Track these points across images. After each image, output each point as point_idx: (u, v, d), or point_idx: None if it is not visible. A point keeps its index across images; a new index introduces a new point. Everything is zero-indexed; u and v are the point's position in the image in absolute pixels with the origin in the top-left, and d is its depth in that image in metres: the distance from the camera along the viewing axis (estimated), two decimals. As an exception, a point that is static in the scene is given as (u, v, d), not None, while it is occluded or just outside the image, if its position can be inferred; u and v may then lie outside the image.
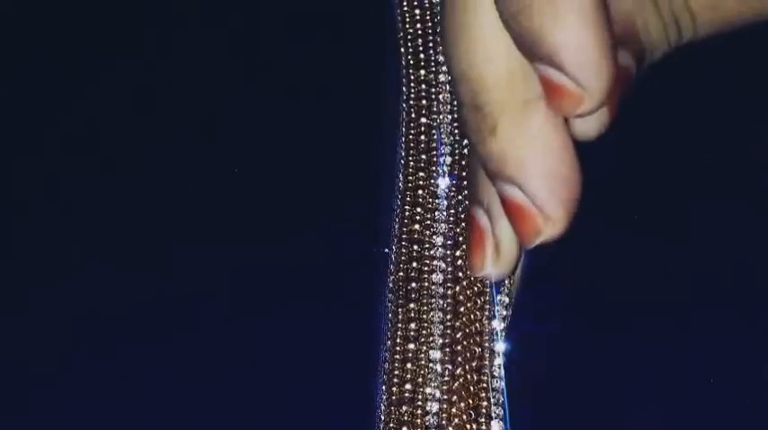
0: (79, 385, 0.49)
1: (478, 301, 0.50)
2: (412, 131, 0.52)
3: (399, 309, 0.50)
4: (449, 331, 0.50)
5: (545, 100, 0.39)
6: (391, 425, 0.49)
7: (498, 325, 0.50)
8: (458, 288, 0.50)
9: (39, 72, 0.55)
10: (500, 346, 0.49)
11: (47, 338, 0.50)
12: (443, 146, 0.52)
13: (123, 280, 0.51)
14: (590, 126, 0.40)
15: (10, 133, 0.54)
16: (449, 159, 0.51)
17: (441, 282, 0.50)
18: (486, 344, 0.49)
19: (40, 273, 0.52)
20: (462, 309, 0.50)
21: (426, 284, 0.50)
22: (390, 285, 0.51)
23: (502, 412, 0.49)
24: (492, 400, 0.49)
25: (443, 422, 0.49)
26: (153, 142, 0.54)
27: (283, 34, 0.54)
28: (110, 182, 0.53)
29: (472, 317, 0.50)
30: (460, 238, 0.50)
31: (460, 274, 0.50)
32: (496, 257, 0.43)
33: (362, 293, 0.51)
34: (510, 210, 0.41)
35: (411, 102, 0.52)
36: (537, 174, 0.39)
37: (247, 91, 0.54)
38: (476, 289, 0.50)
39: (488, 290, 0.50)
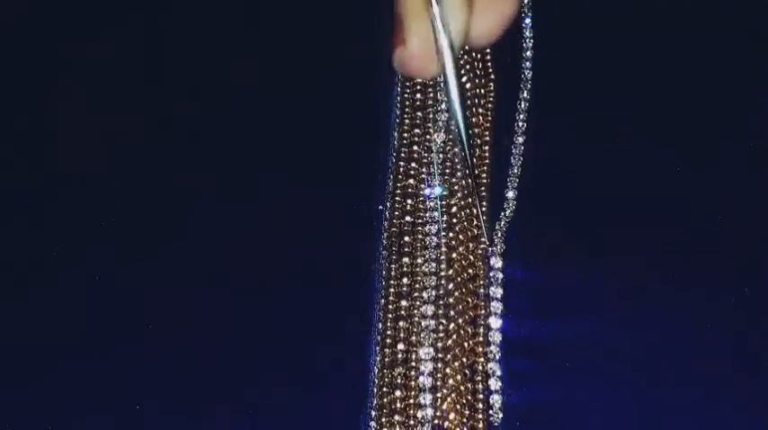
0: (78, 385, 0.48)
1: (471, 246, 0.49)
2: (407, 89, 0.52)
3: (392, 265, 0.49)
4: (442, 282, 0.48)
5: None
6: (384, 388, 0.47)
7: (496, 265, 0.48)
8: (451, 234, 0.49)
9: (38, 70, 0.56)
10: (497, 291, 0.48)
11: (47, 337, 0.50)
12: (439, 103, 0.51)
13: (120, 276, 0.50)
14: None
15: (10, 131, 0.55)
16: (445, 116, 0.51)
17: (434, 231, 0.49)
18: (481, 290, 0.48)
19: (41, 272, 0.51)
20: (455, 255, 0.48)
21: (420, 236, 0.49)
22: (384, 241, 0.50)
23: (499, 368, 0.48)
24: (488, 356, 0.48)
25: (438, 383, 0.47)
26: (153, 140, 0.54)
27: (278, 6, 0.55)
28: (106, 177, 0.53)
29: (465, 262, 0.48)
30: (455, 188, 0.50)
31: (454, 221, 0.49)
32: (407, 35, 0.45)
33: (360, 275, 0.50)
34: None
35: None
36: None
37: (245, 63, 0.54)
38: (469, 234, 0.49)
39: (482, 232, 0.49)
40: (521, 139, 0.51)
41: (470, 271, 0.48)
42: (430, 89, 0.52)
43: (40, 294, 0.50)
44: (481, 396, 0.47)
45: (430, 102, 0.51)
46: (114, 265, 0.51)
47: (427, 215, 0.50)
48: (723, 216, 0.50)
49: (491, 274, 0.48)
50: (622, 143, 0.52)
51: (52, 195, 0.53)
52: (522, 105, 0.52)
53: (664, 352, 0.48)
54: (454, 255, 0.49)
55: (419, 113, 0.51)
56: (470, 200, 0.49)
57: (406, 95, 0.52)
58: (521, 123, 0.51)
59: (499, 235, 0.49)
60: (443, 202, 0.49)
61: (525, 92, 0.52)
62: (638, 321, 0.48)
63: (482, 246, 0.49)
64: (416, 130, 0.51)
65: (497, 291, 0.48)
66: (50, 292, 0.50)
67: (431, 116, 0.51)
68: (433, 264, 0.49)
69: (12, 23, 0.56)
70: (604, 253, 0.49)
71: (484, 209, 0.49)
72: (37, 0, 0.57)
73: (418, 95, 0.51)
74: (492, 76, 0.51)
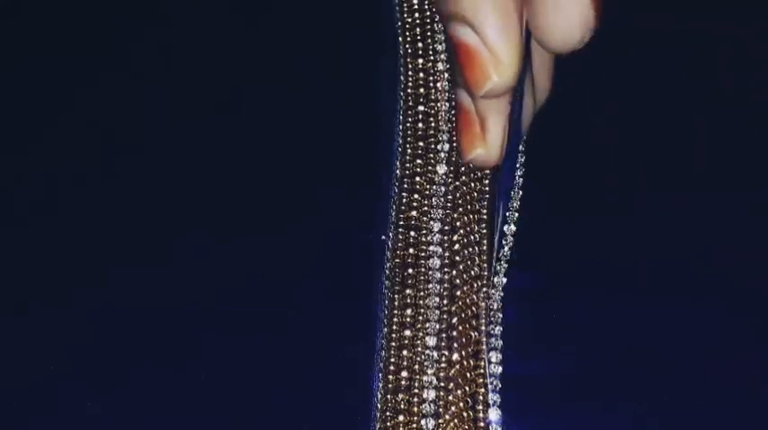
0: (79, 384, 0.49)
1: (475, 285, 0.49)
2: (410, 119, 0.52)
3: (396, 295, 0.50)
4: (445, 316, 0.49)
5: None
6: (387, 413, 0.49)
7: (495, 305, 0.49)
8: (454, 272, 0.50)
9: (38, 67, 0.55)
10: (497, 330, 0.49)
11: (50, 336, 0.50)
12: (441, 133, 0.52)
13: (119, 274, 0.51)
14: (572, 30, 0.40)
15: (10, 128, 0.54)
16: (446, 146, 0.51)
17: (438, 266, 0.50)
18: (483, 329, 0.49)
19: (40, 271, 0.52)
20: (459, 293, 0.49)
21: (423, 270, 0.50)
22: (387, 272, 0.50)
23: (499, 399, 0.49)
24: (489, 388, 0.49)
25: (440, 409, 0.49)
26: (153, 138, 0.54)
27: (281, 24, 0.54)
28: (106, 176, 0.53)
29: (468, 301, 0.49)
30: (458, 223, 0.50)
31: (457, 258, 0.50)
32: (483, 136, 0.44)
33: (360, 282, 0.50)
34: (460, 53, 0.41)
35: (409, 90, 0.52)
36: (490, 12, 0.40)
37: (247, 82, 0.54)
38: (472, 273, 0.50)
39: (485, 274, 0.49)
40: (518, 173, 0.52)
41: (473, 309, 0.49)
42: (431, 119, 0.52)
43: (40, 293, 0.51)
44: (482, 424, 0.49)
45: (432, 131, 0.52)
46: (113, 267, 0.51)
47: (430, 249, 0.50)
48: (729, 231, 0.51)
49: (491, 314, 0.49)
50: (622, 152, 0.52)
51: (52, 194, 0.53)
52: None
53: (666, 384, 0.49)
54: (458, 292, 0.50)
55: (421, 143, 0.52)
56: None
57: (408, 124, 0.52)
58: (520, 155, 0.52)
59: (499, 274, 0.50)
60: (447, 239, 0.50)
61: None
62: (639, 356, 0.49)
63: (485, 289, 0.49)
64: (419, 161, 0.51)
65: (498, 329, 0.49)
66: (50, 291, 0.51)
67: (433, 146, 0.52)
68: (437, 299, 0.50)
69: (12, 23, 0.56)
70: (606, 287, 0.50)
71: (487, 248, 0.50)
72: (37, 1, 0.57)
73: (420, 125, 0.52)
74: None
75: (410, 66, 0.52)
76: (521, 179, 0.52)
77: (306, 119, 0.53)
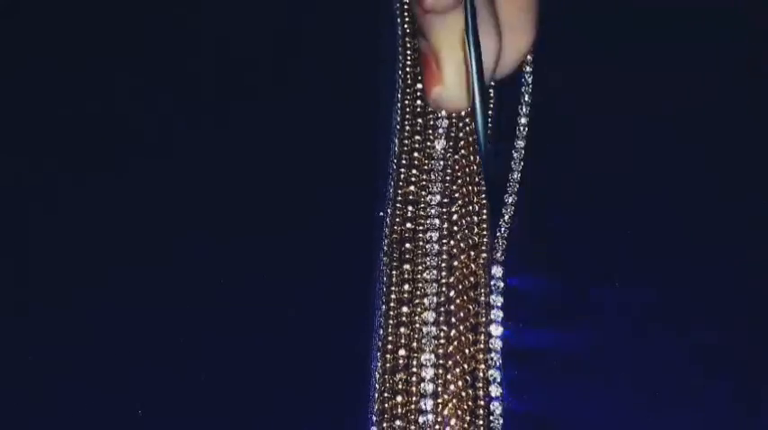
0: (79, 384, 0.49)
1: (473, 254, 0.49)
2: (408, 96, 0.52)
3: (393, 271, 0.49)
4: (443, 289, 0.48)
5: None
6: (386, 394, 0.48)
7: (497, 273, 0.49)
8: (452, 242, 0.49)
9: (38, 67, 0.56)
10: (497, 299, 0.48)
11: (50, 336, 0.50)
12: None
13: (119, 274, 0.51)
14: None
15: (10, 128, 0.55)
16: (445, 122, 0.51)
17: (435, 239, 0.49)
18: (482, 298, 0.48)
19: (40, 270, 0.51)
20: (456, 263, 0.49)
21: (421, 244, 0.49)
22: (384, 247, 0.50)
23: (499, 375, 0.48)
24: (489, 363, 0.48)
25: (439, 389, 0.48)
26: (153, 137, 0.54)
27: (280, 7, 0.55)
28: (106, 176, 0.53)
29: (467, 270, 0.49)
30: (456, 194, 0.50)
31: (455, 229, 0.49)
32: (440, 74, 0.47)
33: (360, 282, 0.50)
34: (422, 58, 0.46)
35: (407, 68, 0.52)
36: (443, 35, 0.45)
37: (246, 79, 0.54)
38: (471, 241, 0.49)
39: (485, 241, 0.49)
40: (521, 143, 0.51)
41: (471, 279, 0.49)
42: None
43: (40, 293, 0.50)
44: (482, 402, 0.48)
45: (430, 108, 0.51)
46: (113, 267, 0.51)
47: (428, 222, 0.50)
48: (728, 225, 0.51)
49: (492, 283, 0.49)
50: (626, 147, 0.52)
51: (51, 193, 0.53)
52: (524, 110, 0.52)
53: (664, 361, 0.48)
54: (455, 263, 0.49)
55: (420, 120, 0.51)
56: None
57: (406, 102, 0.52)
58: (522, 128, 0.52)
59: (499, 242, 0.50)
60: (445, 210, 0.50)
61: (527, 96, 0.52)
62: (639, 329, 0.48)
63: (484, 254, 0.49)
64: (417, 137, 0.51)
65: (498, 300, 0.48)
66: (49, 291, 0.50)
67: (431, 123, 0.51)
68: (434, 272, 0.49)
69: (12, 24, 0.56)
70: (606, 260, 0.50)
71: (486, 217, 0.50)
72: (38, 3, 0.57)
73: (419, 102, 0.52)
74: (493, 83, 0.51)
75: (408, 44, 0.52)
76: (522, 151, 0.51)
77: (304, 115, 0.53)
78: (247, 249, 0.51)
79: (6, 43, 0.56)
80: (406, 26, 0.52)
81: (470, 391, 0.48)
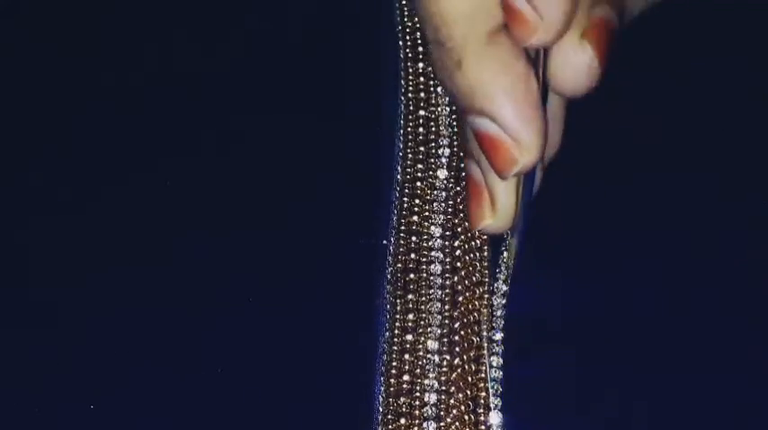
0: (79, 384, 0.49)
1: (477, 291, 0.50)
2: (410, 123, 0.52)
3: (398, 300, 0.50)
4: (447, 321, 0.50)
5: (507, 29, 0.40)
6: (389, 416, 0.49)
7: (497, 314, 0.50)
8: (456, 278, 0.50)
9: (38, 67, 0.55)
10: (498, 336, 0.49)
11: (50, 335, 0.50)
12: (442, 137, 0.52)
13: (119, 274, 0.51)
14: (580, 79, 0.41)
15: (10, 128, 0.54)
16: (447, 151, 0.52)
17: (439, 272, 0.50)
18: (485, 334, 0.49)
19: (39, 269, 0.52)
20: (461, 299, 0.50)
21: (424, 275, 0.50)
22: (389, 277, 0.51)
23: (500, 402, 0.49)
24: (491, 391, 0.49)
25: (441, 413, 0.49)
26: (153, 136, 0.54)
27: (282, 27, 0.54)
28: (106, 176, 0.53)
29: (470, 306, 0.50)
30: (459, 229, 0.51)
31: (459, 264, 0.50)
32: (492, 207, 0.45)
33: (361, 286, 0.51)
34: (484, 143, 0.42)
35: (410, 94, 0.52)
36: (506, 101, 0.40)
37: (245, 86, 0.54)
38: (474, 279, 0.50)
39: (487, 279, 0.50)
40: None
41: (475, 315, 0.50)
42: (432, 123, 0.52)
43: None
44: (483, 427, 0.49)
45: (433, 136, 0.52)
46: (113, 267, 0.51)
47: (431, 254, 0.51)
48: (728, 225, 0.51)
49: (495, 317, 0.50)
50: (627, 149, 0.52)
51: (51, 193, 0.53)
52: None
53: (668, 383, 0.49)
54: (459, 298, 0.50)
55: (422, 148, 0.52)
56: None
57: (409, 129, 0.52)
58: None
59: (503, 278, 0.50)
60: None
61: None
62: (642, 354, 0.49)
63: (487, 296, 0.50)
64: (419, 166, 0.52)
65: (499, 335, 0.50)
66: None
67: (434, 151, 0.52)
68: (438, 305, 0.50)
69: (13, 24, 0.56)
70: (609, 282, 0.50)
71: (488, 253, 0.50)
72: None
73: (421, 129, 0.52)
74: None
75: (410, 70, 0.52)
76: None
77: (306, 123, 0.53)
78: (247, 252, 0.51)
79: (6, 42, 0.56)
80: (408, 50, 0.53)
81: (472, 417, 0.49)
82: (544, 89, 0.42)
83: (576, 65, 0.41)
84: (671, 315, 0.50)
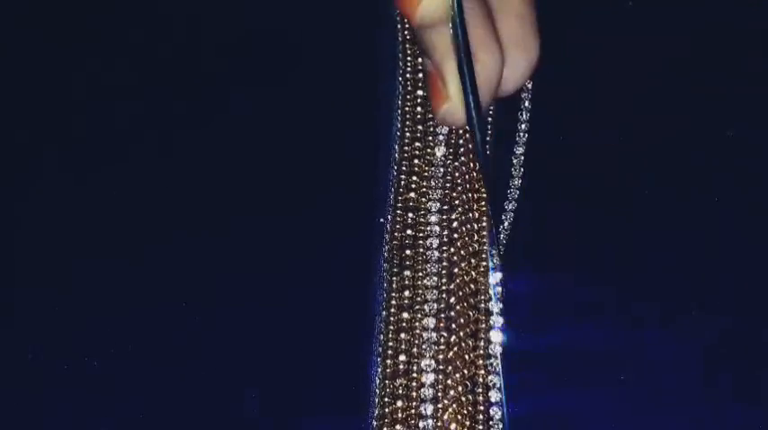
0: (79, 384, 0.49)
1: (473, 261, 0.49)
2: (408, 103, 0.52)
3: (394, 278, 0.49)
4: (443, 296, 0.49)
5: None
6: (386, 399, 0.48)
7: (496, 280, 0.49)
8: (452, 249, 0.49)
9: (38, 66, 0.56)
10: (496, 307, 0.48)
11: (50, 335, 0.50)
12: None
13: (119, 273, 0.51)
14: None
15: (10, 128, 0.55)
16: (445, 129, 0.51)
17: (436, 245, 0.49)
18: (482, 305, 0.48)
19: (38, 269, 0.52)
20: (457, 270, 0.49)
21: (421, 250, 0.50)
22: (385, 254, 0.50)
23: (499, 381, 0.48)
24: (489, 369, 0.48)
25: (439, 394, 0.48)
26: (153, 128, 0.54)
27: (282, 12, 0.55)
28: (106, 175, 0.53)
29: (467, 277, 0.49)
30: (456, 202, 0.50)
31: (455, 236, 0.49)
32: (446, 92, 0.48)
33: (359, 266, 0.50)
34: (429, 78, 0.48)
35: (407, 74, 0.52)
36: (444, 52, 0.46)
37: (246, 72, 0.55)
38: (471, 249, 0.49)
39: (485, 248, 0.49)
40: (521, 149, 0.52)
41: (472, 286, 0.49)
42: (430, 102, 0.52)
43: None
44: (482, 408, 0.48)
45: (430, 115, 0.51)
46: (113, 267, 0.51)
47: (428, 229, 0.50)
48: (729, 224, 0.51)
49: (492, 289, 0.49)
50: (622, 149, 0.52)
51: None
52: (524, 116, 0.52)
53: (665, 356, 0.48)
54: (456, 270, 0.49)
55: (420, 127, 0.52)
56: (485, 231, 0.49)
57: (407, 109, 0.52)
58: (522, 134, 0.52)
59: (499, 249, 0.50)
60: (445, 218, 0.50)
61: (527, 101, 0.52)
62: (638, 327, 0.49)
63: (484, 263, 0.49)
64: (417, 144, 0.51)
65: (497, 306, 0.49)
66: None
67: (431, 130, 0.51)
68: (435, 279, 0.49)
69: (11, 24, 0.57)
70: (603, 260, 0.50)
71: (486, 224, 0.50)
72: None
73: (419, 109, 0.52)
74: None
75: (408, 51, 0.52)
76: (522, 157, 0.52)
77: (305, 106, 0.53)
78: (247, 248, 0.51)
79: (6, 43, 0.56)
80: (406, 32, 0.53)
81: (470, 397, 0.48)
82: None
83: None
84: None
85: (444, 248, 0.49)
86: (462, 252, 0.49)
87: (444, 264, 0.49)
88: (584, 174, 0.52)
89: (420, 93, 0.52)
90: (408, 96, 0.52)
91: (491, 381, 0.48)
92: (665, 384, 0.48)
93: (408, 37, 0.52)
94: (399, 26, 0.53)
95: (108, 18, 0.57)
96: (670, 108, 0.53)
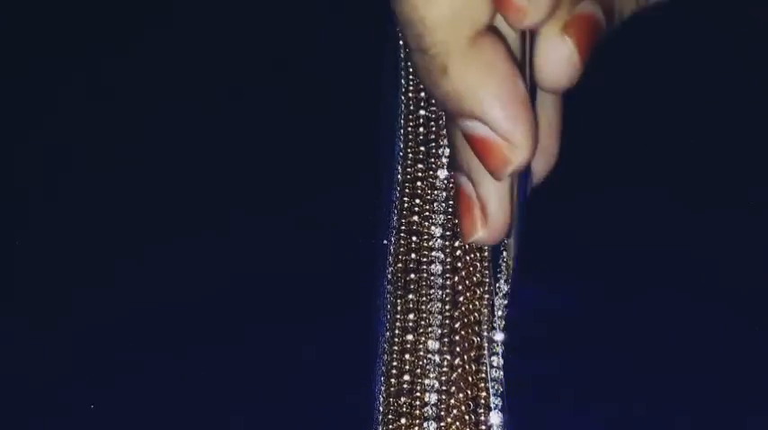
0: (79, 384, 0.49)
1: (477, 291, 0.50)
2: (411, 123, 0.52)
3: (398, 300, 0.50)
4: (447, 321, 0.50)
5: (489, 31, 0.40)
6: (390, 416, 0.49)
7: (497, 314, 0.50)
8: (456, 278, 0.50)
9: (38, 65, 0.56)
10: (498, 336, 0.49)
11: (49, 335, 0.50)
12: (442, 137, 0.52)
13: (119, 273, 0.51)
14: (561, 72, 0.41)
15: (9, 128, 0.55)
16: (447, 151, 0.51)
17: (439, 272, 0.50)
18: (485, 334, 0.49)
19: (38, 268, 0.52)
20: (461, 299, 0.50)
21: (425, 275, 0.50)
22: (389, 277, 0.51)
23: (501, 403, 0.49)
24: (491, 391, 0.49)
25: (442, 413, 0.49)
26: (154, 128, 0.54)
27: (284, 28, 0.54)
28: (106, 175, 0.53)
29: (471, 307, 0.50)
30: (459, 229, 0.50)
31: (459, 265, 0.50)
32: (485, 220, 0.44)
33: (362, 286, 0.51)
34: (476, 146, 0.41)
35: (410, 94, 0.52)
36: (494, 102, 0.40)
37: (248, 84, 0.54)
38: (474, 279, 0.50)
39: (487, 280, 0.50)
40: None
41: (476, 315, 0.50)
42: (433, 123, 0.52)
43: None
44: (483, 428, 0.49)
45: (433, 136, 0.52)
46: (113, 267, 0.51)
47: (432, 254, 0.51)
48: (729, 225, 0.51)
49: (495, 316, 0.50)
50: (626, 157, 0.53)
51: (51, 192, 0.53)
52: None
53: (664, 376, 0.49)
54: (460, 298, 0.50)
55: (422, 148, 0.52)
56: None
57: (409, 129, 0.52)
58: None
59: (504, 277, 0.50)
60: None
61: None
62: (644, 353, 0.49)
63: (487, 296, 0.50)
64: (420, 166, 0.52)
65: (499, 335, 0.49)
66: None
67: (434, 151, 0.52)
68: (438, 305, 0.50)
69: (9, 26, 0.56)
70: (610, 283, 0.50)
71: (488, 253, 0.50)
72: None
73: (421, 129, 0.52)
74: None
75: (410, 69, 0.52)
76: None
77: (307, 123, 0.53)
78: (248, 254, 0.51)
79: (5, 42, 0.56)
80: (408, 50, 0.52)
81: (473, 417, 0.49)
82: (532, 88, 0.42)
83: (557, 58, 0.40)
84: (671, 315, 0.50)
85: (448, 276, 0.50)
86: (467, 282, 0.50)
87: (448, 291, 0.50)
88: (585, 191, 0.52)
89: (422, 113, 0.52)
90: (411, 116, 0.52)
91: (493, 403, 0.49)
92: (663, 408, 0.48)
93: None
94: (402, 42, 0.53)
95: (108, 18, 0.56)
96: (676, 112, 0.54)
